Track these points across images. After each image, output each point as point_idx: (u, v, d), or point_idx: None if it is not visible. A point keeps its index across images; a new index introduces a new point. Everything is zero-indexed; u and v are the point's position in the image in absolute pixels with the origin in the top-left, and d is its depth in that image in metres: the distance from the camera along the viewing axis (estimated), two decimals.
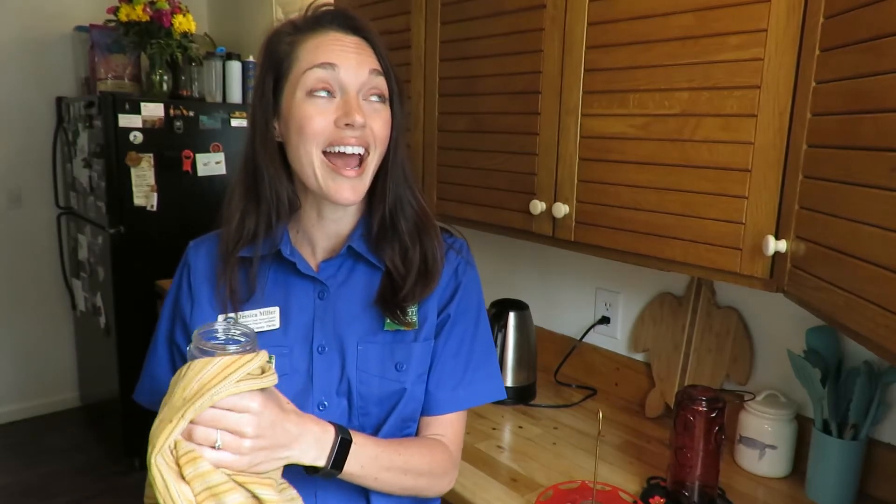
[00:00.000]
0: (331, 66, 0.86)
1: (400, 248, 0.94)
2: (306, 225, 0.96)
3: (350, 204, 0.90)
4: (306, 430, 0.78)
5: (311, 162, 0.87)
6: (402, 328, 0.94)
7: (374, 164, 0.91)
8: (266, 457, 0.73)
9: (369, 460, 0.85)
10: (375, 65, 0.89)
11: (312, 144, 0.86)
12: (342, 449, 0.81)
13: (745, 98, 1.00)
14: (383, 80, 0.90)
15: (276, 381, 0.75)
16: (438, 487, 0.96)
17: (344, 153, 0.87)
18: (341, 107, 0.86)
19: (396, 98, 0.92)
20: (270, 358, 0.91)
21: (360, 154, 0.88)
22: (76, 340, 3.46)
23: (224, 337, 0.74)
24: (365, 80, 0.87)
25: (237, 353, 0.72)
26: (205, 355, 0.71)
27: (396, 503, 0.95)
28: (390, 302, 0.92)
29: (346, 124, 0.85)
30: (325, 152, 0.87)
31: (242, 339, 0.74)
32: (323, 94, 0.86)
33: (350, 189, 0.88)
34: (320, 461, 0.80)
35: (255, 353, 0.73)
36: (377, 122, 0.89)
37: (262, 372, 0.74)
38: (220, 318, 0.79)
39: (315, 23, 0.89)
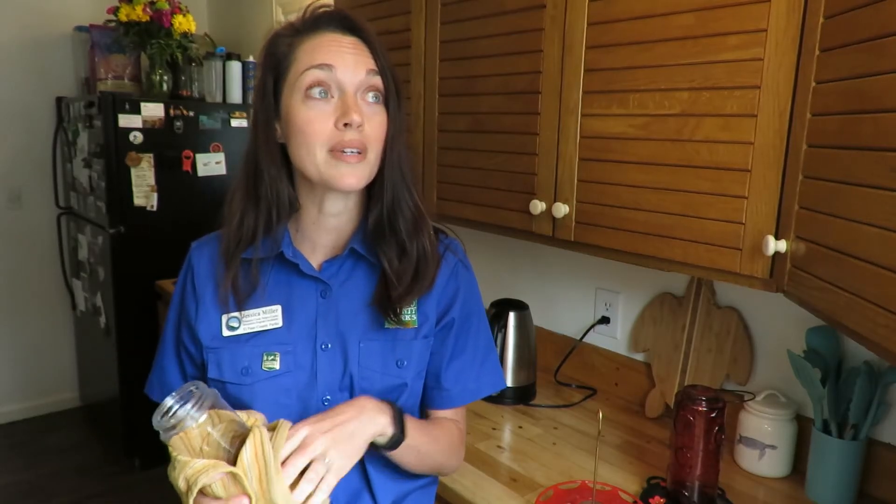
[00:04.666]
0: (328, 66, 0.87)
1: (398, 248, 0.95)
2: (306, 224, 0.97)
3: (353, 189, 0.91)
4: (359, 405, 0.85)
5: (314, 161, 0.88)
6: (403, 327, 0.96)
7: (373, 161, 0.92)
8: (348, 448, 0.80)
9: (416, 429, 0.91)
10: (372, 65, 0.90)
11: (316, 147, 0.87)
12: (400, 413, 0.88)
13: (745, 98, 1.00)
14: (380, 80, 0.91)
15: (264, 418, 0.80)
16: (454, 463, 1.04)
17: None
18: (339, 107, 0.87)
19: (394, 97, 0.93)
20: (276, 355, 0.94)
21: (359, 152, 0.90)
22: (76, 340, 3.46)
23: (178, 404, 0.73)
24: (362, 79, 0.89)
25: (196, 406, 0.73)
26: (175, 431, 0.72)
27: (396, 486, 0.98)
28: (386, 302, 0.95)
29: (345, 124, 0.86)
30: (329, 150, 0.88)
31: (193, 389, 0.74)
32: (320, 93, 0.87)
33: (352, 174, 0.89)
34: (389, 428, 0.86)
35: (249, 424, 0.76)
36: (372, 124, 0.90)
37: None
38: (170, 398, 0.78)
39: (313, 24, 0.91)
